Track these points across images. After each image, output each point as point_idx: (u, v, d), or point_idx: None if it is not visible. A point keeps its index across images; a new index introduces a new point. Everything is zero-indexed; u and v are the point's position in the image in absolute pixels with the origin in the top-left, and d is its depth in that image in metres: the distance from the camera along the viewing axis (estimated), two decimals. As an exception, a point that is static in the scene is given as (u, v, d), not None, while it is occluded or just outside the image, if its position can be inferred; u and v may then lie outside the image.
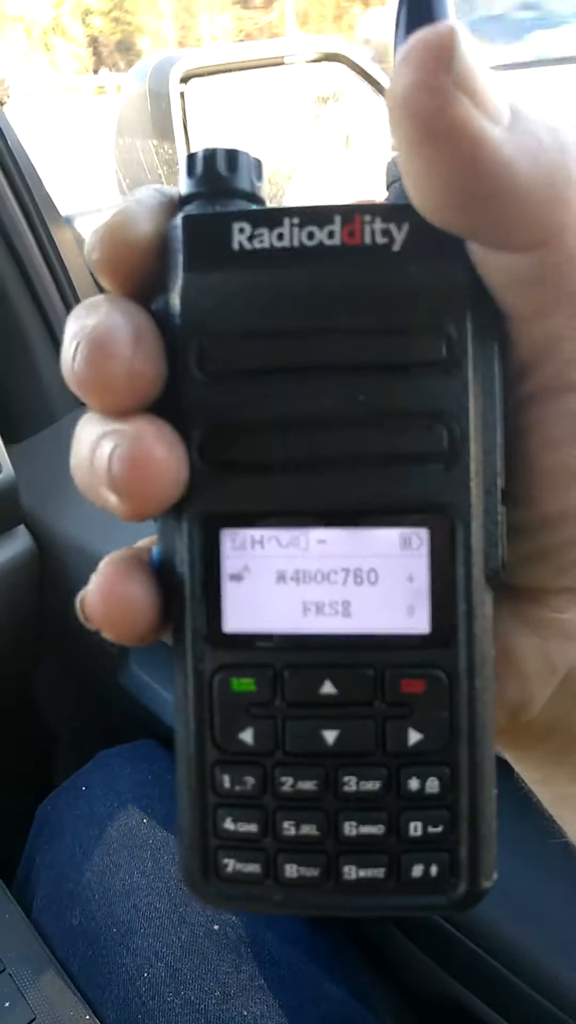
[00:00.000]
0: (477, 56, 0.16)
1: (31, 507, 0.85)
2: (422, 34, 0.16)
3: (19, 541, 0.85)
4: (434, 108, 0.16)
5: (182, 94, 0.91)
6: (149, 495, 0.19)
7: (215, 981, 0.55)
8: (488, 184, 0.17)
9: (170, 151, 0.94)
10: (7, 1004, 0.56)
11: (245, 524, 0.20)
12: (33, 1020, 0.56)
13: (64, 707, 0.99)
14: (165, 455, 0.19)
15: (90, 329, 0.19)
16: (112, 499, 0.19)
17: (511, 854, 0.54)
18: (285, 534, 0.20)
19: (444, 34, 0.16)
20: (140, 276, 0.20)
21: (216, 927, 0.59)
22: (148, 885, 0.61)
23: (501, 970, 0.54)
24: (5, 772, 0.92)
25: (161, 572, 0.21)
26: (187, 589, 0.20)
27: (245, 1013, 0.54)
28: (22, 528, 0.85)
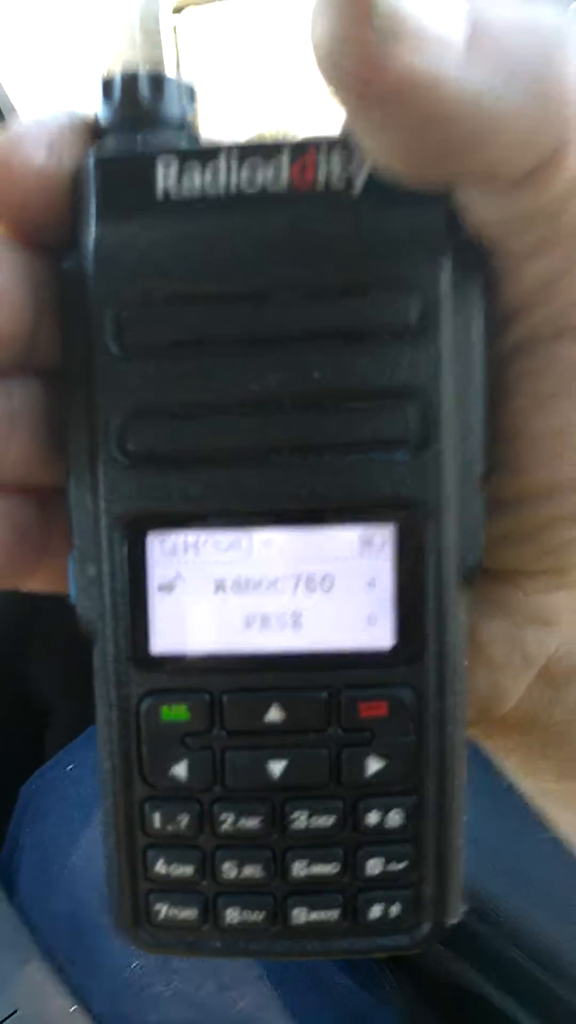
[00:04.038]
0: None
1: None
2: None
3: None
4: (365, 63, 0.13)
5: (175, 28, 0.85)
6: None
7: (210, 971, 0.52)
8: (458, 129, 0.13)
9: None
10: (-13, 995, 0.53)
11: (176, 525, 0.17)
12: (15, 1012, 0.52)
13: (57, 680, 0.96)
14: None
15: None
16: None
17: (533, 838, 0.51)
18: (224, 536, 0.17)
19: None
20: (40, 224, 0.17)
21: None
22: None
23: (519, 958, 0.51)
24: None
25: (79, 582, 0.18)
26: (108, 602, 0.17)
27: (242, 1005, 0.50)
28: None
